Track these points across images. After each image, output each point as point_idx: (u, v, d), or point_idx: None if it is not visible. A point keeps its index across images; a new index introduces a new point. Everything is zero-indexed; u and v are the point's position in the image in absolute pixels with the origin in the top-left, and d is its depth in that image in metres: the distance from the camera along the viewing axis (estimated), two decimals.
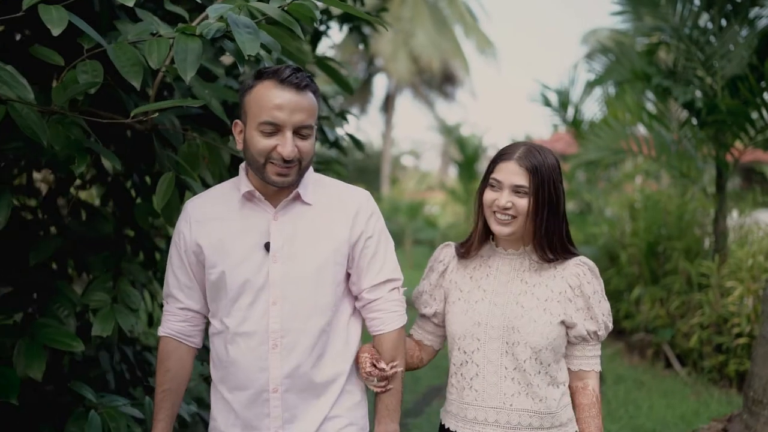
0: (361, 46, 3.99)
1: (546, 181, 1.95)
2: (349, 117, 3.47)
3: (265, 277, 1.89)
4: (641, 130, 7.77)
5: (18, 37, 2.57)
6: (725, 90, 6.09)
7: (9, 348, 2.27)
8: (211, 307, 1.99)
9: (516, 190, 1.95)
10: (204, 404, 3.28)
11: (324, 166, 3.12)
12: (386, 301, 2.00)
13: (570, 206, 11.10)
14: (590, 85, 7.49)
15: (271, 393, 1.90)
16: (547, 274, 2.03)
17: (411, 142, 43.64)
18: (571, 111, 9.20)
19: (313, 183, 1.99)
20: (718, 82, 6.18)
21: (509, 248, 2.08)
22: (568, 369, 2.07)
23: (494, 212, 1.99)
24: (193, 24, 1.99)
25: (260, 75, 1.84)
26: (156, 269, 3.12)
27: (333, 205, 1.97)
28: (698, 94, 6.35)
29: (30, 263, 2.39)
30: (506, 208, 1.96)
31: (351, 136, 3.32)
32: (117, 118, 2.11)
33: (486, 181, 2.03)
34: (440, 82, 24.19)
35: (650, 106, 7.37)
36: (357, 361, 2.00)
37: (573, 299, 2.00)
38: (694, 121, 6.33)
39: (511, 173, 1.95)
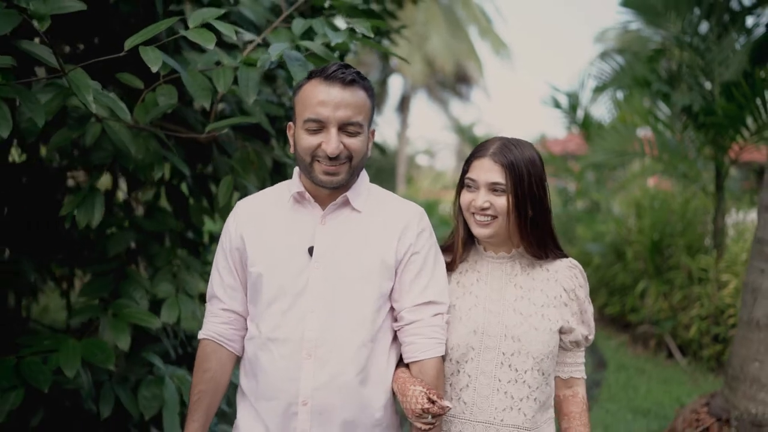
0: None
1: (525, 176, 1.84)
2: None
3: (305, 282, 1.82)
4: (645, 131, 8.17)
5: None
6: (723, 94, 6.47)
7: (94, 324, 2.76)
8: (249, 309, 1.93)
9: (492, 188, 1.85)
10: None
11: None
12: (427, 325, 1.86)
13: (579, 205, 11.48)
14: (597, 91, 7.88)
15: (300, 405, 1.81)
16: (540, 278, 1.95)
17: (425, 142, 43.94)
18: (580, 113, 9.62)
19: (366, 190, 1.93)
20: (716, 87, 6.56)
21: (498, 251, 1.97)
22: (558, 377, 1.99)
23: (472, 213, 1.89)
24: (246, 54, 2.44)
25: (310, 75, 1.84)
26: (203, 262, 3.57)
27: (383, 216, 1.89)
28: (697, 98, 6.73)
29: (109, 254, 2.84)
30: (484, 209, 1.86)
31: (374, 143, 3.74)
32: (189, 132, 2.56)
33: (462, 182, 1.94)
34: (454, 82, 24.58)
35: (655, 110, 7.77)
36: (402, 394, 1.81)
37: (569, 303, 1.93)
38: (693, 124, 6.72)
39: (486, 170, 1.85)
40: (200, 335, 1.97)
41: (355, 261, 1.84)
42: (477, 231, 1.90)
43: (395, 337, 1.92)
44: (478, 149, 1.91)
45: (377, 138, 2.96)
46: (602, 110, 10.21)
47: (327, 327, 1.81)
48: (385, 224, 1.88)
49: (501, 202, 1.84)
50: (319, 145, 1.77)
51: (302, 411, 1.81)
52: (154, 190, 3.56)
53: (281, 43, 2.33)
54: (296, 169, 1.93)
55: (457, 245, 1.97)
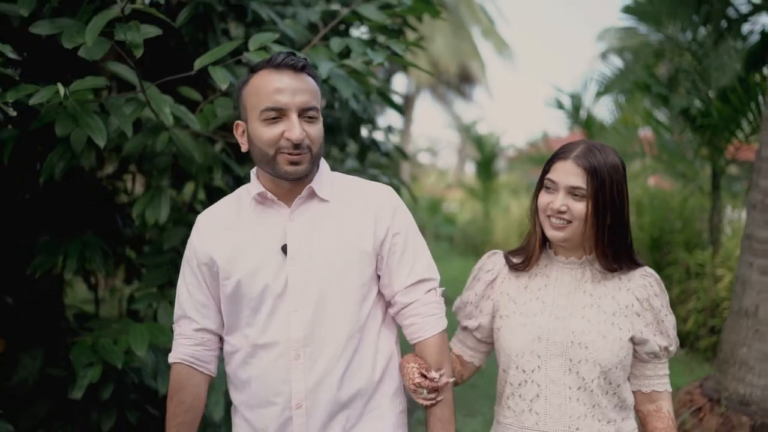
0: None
1: (607, 182, 1.78)
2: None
3: (284, 281, 1.77)
4: (647, 131, 8.52)
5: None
6: (719, 98, 6.81)
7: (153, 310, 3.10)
8: (227, 322, 1.87)
9: (572, 192, 1.80)
10: None
11: (380, 171, 3.86)
12: (423, 304, 1.85)
13: None
14: (599, 95, 8.23)
15: (295, 409, 1.77)
16: (611, 285, 1.88)
17: (428, 140, 44.20)
18: (583, 113, 9.95)
19: (329, 179, 1.88)
20: (713, 91, 6.90)
21: (570, 257, 1.92)
22: (638, 391, 1.92)
23: (548, 216, 1.85)
24: None
25: (254, 68, 1.79)
26: None
27: (353, 201, 1.85)
28: (695, 101, 7.06)
29: (164, 247, 3.18)
30: (561, 212, 1.81)
31: (398, 148, 4.10)
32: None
33: (541, 183, 1.89)
34: (458, 82, 24.90)
35: (655, 112, 8.12)
36: (402, 373, 1.84)
37: (641, 313, 1.86)
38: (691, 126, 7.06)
39: (567, 173, 1.80)
40: (171, 359, 1.89)
41: (332, 252, 1.79)
42: (551, 234, 1.85)
43: (383, 319, 1.89)
44: (561, 150, 1.85)
45: (380, 135, 3.22)
46: (604, 111, 10.50)
47: (313, 324, 1.76)
48: (357, 210, 1.83)
49: (579, 207, 1.79)
50: (282, 134, 1.71)
51: (297, 414, 1.77)
52: (193, 189, 3.90)
53: (327, 62, 2.67)
54: (253, 172, 1.88)
55: (534, 247, 1.92)
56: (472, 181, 19.34)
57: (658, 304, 1.87)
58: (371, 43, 2.92)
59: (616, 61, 7.95)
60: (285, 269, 1.77)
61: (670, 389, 1.90)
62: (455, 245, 17.10)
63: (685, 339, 7.39)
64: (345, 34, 3.37)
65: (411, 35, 4.83)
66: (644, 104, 8.01)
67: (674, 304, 7.61)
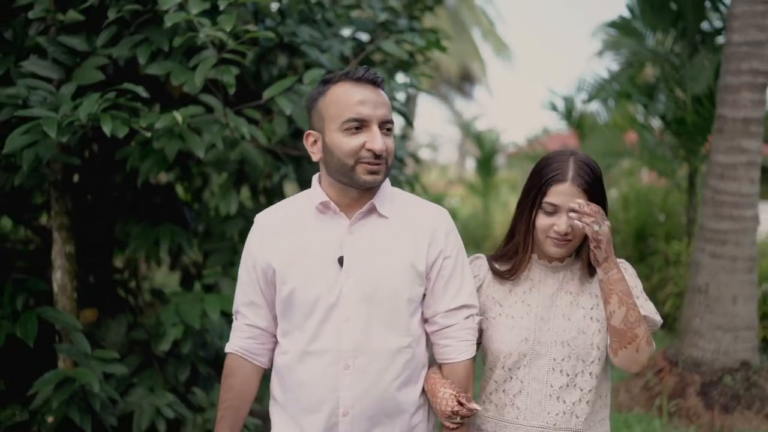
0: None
1: (601, 195, 1.89)
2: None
3: (338, 293, 1.81)
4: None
5: None
6: (693, 105, 7.60)
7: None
8: (281, 324, 1.92)
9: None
10: None
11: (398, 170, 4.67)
12: (461, 329, 1.89)
13: None
14: (586, 101, 9.01)
15: (341, 417, 1.81)
16: (590, 282, 1.98)
17: (429, 136, 44.71)
18: (576, 115, 10.76)
19: (390, 195, 1.92)
20: (688, 98, 7.69)
21: (553, 261, 2.00)
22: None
23: (549, 237, 1.90)
24: None
25: (329, 80, 1.84)
26: None
27: (411, 220, 1.89)
28: (672, 107, 7.83)
29: (226, 235, 3.98)
30: (566, 233, 1.88)
31: (412, 155, 4.92)
32: (299, 151, 3.70)
33: (537, 205, 1.92)
34: (459, 81, 25.66)
35: (639, 117, 8.93)
36: (432, 395, 1.87)
37: None
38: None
39: (569, 196, 1.85)
40: (227, 349, 1.99)
41: (386, 269, 1.83)
42: (553, 251, 1.91)
43: (427, 340, 1.94)
44: (555, 173, 1.88)
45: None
46: (596, 112, 11.30)
47: (363, 336, 1.80)
48: (414, 229, 1.87)
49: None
50: (363, 145, 1.76)
51: (343, 422, 1.81)
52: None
53: None
54: (315, 179, 1.93)
55: (525, 262, 1.98)
56: (472, 178, 20.10)
57: (636, 292, 1.94)
58: (392, 74, 3.72)
59: (609, 63, 8.70)
60: (339, 281, 1.81)
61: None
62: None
63: (664, 320, 8.18)
64: (371, 63, 4.18)
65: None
66: (629, 109, 8.81)
67: (655, 290, 8.41)
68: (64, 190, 3.43)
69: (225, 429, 1.93)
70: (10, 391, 3.59)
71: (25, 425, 3.47)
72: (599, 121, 10.18)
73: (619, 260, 1.93)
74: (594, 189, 1.86)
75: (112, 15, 2.99)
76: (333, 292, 1.82)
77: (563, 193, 1.85)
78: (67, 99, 2.99)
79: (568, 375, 1.90)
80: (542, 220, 1.90)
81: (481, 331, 2.01)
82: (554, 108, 10.51)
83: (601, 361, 1.93)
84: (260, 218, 1.97)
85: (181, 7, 2.89)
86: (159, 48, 3.19)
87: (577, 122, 10.61)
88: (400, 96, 3.41)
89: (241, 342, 1.96)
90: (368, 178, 1.79)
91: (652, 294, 8.42)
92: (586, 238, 1.89)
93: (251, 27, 2.92)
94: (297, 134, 3.83)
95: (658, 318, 1.98)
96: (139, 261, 4.62)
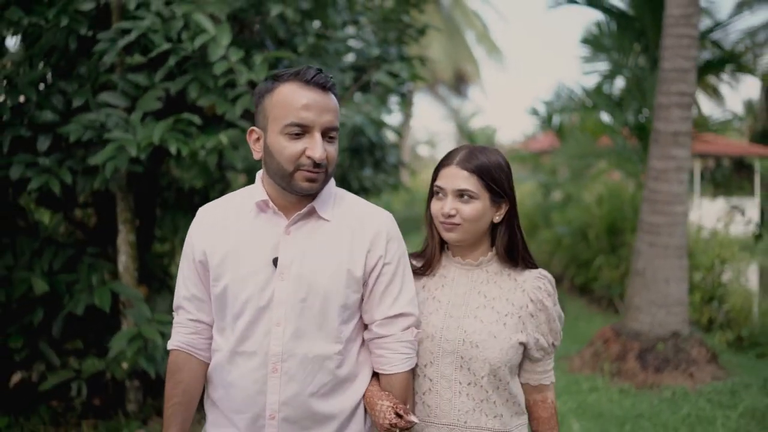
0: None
1: (496, 179, 1.86)
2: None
3: (270, 295, 1.76)
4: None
5: None
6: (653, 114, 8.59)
7: None
8: (216, 321, 1.87)
9: (460, 194, 1.85)
10: None
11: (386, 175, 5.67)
12: (398, 341, 1.84)
13: (555, 196, 13.62)
14: (559, 112, 10.03)
15: (268, 419, 1.78)
16: (506, 287, 1.93)
17: (427, 133, 45.35)
18: (557, 120, 11.78)
19: (333, 198, 1.87)
20: (649, 108, 8.67)
21: (466, 258, 1.97)
22: (527, 384, 1.97)
23: (441, 222, 1.89)
24: None
25: (279, 77, 1.77)
26: None
27: (352, 224, 1.84)
28: (637, 115, 8.82)
29: None
30: (450, 215, 1.86)
31: (401, 161, 5.90)
32: None
33: (432, 191, 1.93)
34: (455, 82, 26.65)
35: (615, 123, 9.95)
36: (371, 407, 1.82)
37: (535, 314, 1.90)
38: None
39: (453, 178, 1.85)
40: (169, 346, 1.92)
41: (322, 273, 1.78)
42: (445, 236, 1.91)
43: (362, 346, 1.89)
44: (445, 158, 1.92)
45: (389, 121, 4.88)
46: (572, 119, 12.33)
47: (293, 341, 1.76)
48: (353, 234, 1.83)
49: (467, 209, 1.85)
50: (303, 151, 1.70)
51: (269, 424, 1.78)
52: None
53: (358, 114, 4.47)
54: (259, 175, 1.87)
55: (434, 251, 1.98)
56: None
57: (551, 303, 1.91)
58: (383, 100, 4.72)
59: (574, 87, 9.74)
60: (273, 283, 1.77)
61: (554, 381, 1.99)
62: None
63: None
64: (367, 88, 5.18)
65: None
66: (601, 117, 9.81)
67: (623, 276, 9.39)
68: (128, 191, 4.43)
69: (175, 425, 1.87)
70: (87, 348, 4.60)
71: (101, 373, 4.48)
72: (575, 126, 11.19)
73: (537, 273, 1.95)
74: (484, 174, 1.85)
75: (172, 61, 3.97)
76: (265, 294, 1.77)
77: (448, 176, 1.87)
78: (137, 123, 3.99)
79: (474, 374, 1.87)
80: (434, 205, 1.92)
81: None
82: (535, 113, 11.52)
83: (511, 370, 1.90)
84: (202, 211, 1.91)
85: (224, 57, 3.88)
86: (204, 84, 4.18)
87: (558, 127, 11.62)
88: (395, 118, 4.40)
89: (184, 338, 1.89)
90: (305, 185, 1.74)
91: (621, 282, 9.43)
92: (493, 227, 1.93)
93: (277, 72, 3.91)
94: None
95: (559, 341, 2.01)
96: (176, 250, 5.62)
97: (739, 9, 20.58)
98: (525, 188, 14.03)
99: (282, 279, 1.77)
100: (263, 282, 1.77)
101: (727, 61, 8.31)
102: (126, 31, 4.24)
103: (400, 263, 1.88)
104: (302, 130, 1.70)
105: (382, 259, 1.84)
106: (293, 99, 1.71)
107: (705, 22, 9.71)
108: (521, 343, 1.89)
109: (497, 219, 1.92)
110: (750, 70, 8.65)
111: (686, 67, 5.73)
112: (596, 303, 9.81)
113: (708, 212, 10.56)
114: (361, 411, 1.88)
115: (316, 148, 1.70)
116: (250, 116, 4.23)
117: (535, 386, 1.97)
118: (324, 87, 1.74)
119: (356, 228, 1.84)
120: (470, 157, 1.87)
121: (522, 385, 1.98)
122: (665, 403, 5.07)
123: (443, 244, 2.01)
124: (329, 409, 1.81)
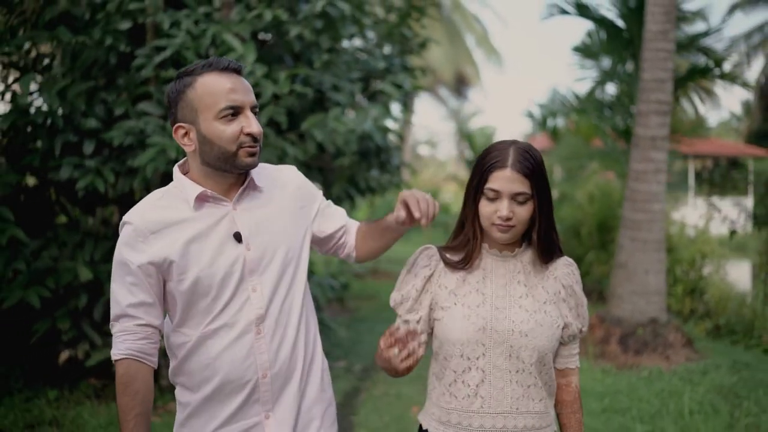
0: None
1: (544, 180, 1.91)
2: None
3: (242, 266, 1.85)
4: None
5: None
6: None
7: None
8: (180, 315, 1.88)
9: (515, 198, 1.87)
10: None
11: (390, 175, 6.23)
12: (352, 225, 2.12)
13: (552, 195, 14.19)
14: (552, 116, 10.60)
15: (261, 379, 1.87)
16: (540, 276, 1.99)
17: (427, 132, 45.73)
18: (551, 122, 12.34)
19: (256, 170, 1.96)
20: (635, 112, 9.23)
21: (503, 251, 2.00)
22: (554, 368, 2.02)
23: (494, 223, 1.90)
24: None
25: (192, 72, 1.84)
26: None
27: (277, 186, 1.98)
28: (625, 118, 9.37)
29: None
30: (508, 218, 1.87)
31: (404, 163, 6.46)
32: (328, 164, 5.28)
33: (480, 192, 1.93)
34: (455, 84, 27.21)
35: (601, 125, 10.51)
36: (379, 357, 1.79)
37: (567, 299, 1.98)
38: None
39: (509, 181, 1.86)
40: (116, 356, 1.86)
41: (279, 233, 1.92)
42: (498, 236, 1.92)
43: (306, 296, 2.02)
44: (495, 159, 1.91)
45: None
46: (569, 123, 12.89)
47: (269, 302, 1.87)
48: (284, 192, 1.98)
49: (522, 211, 1.88)
50: (241, 131, 1.80)
51: (263, 383, 1.87)
52: None
53: (368, 121, 5.04)
54: (176, 171, 1.93)
55: (477, 250, 1.99)
56: (465, 174, 21.65)
57: (579, 290, 1.99)
58: (387, 108, 5.30)
59: (566, 93, 10.31)
60: (240, 255, 1.85)
61: (578, 365, 2.04)
62: (448, 231, 19.40)
63: None
64: (374, 96, 5.75)
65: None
66: (592, 120, 10.37)
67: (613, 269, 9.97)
68: None
69: None
70: None
71: None
72: (568, 129, 11.75)
73: (565, 260, 2.02)
74: (535, 175, 1.87)
75: None
76: (237, 267, 1.85)
77: (503, 179, 1.86)
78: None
79: (523, 362, 1.91)
80: (485, 207, 1.91)
81: (434, 322, 2.02)
82: (531, 116, 12.08)
83: (551, 353, 1.95)
84: (132, 220, 1.87)
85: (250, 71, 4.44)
86: None
87: (552, 129, 12.18)
88: (396, 123, 4.96)
89: (135, 344, 1.85)
90: (248, 160, 1.84)
91: (608, 275, 9.98)
92: (533, 223, 1.93)
93: (296, 87, 4.48)
94: (321, 151, 5.41)
95: (587, 327, 2.08)
96: None
97: (731, 12, 21.16)
98: None
99: (248, 248, 1.87)
100: (232, 258, 1.85)
101: (708, 70, 8.84)
102: (161, 48, 4.81)
103: (319, 192, 2.11)
104: (234, 112, 1.81)
105: (317, 200, 2.06)
106: (218, 86, 1.80)
107: (700, 26, 10.28)
108: (563, 327, 1.97)
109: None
110: (732, 79, 9.18)
111: (664, 77, 6.30)
112: (587, 296, 10.19)
113: (703, 212, 11.09)
114: (317, 363, 2.03)
115: (252, 124, 1.82)
116: (273, 124, 4.80)
117: (561, 370, 2.03)
118: (238, 71, 1.86)
119: (281, 187, 1.99)
120: (523, 159, 1.88)
121: None
122: (642, 381, 5.63)
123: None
124: (301, 358, 1.95)
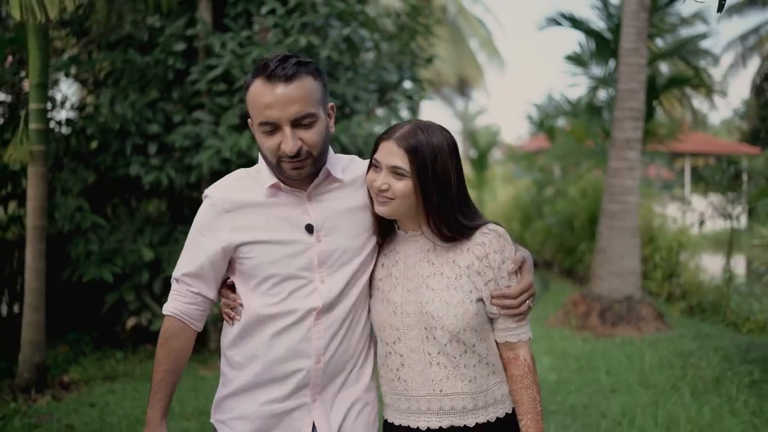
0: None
1: (429, 162, 1.79)
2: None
3: (310, 258, 1.86)
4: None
5: None
6: None
7: None
8: (245, 286, 1.92)
9: (394, 171, 1.80)
10: None
11: None
12: None
13: (548, 191, 15.14)
14: (547, 119, 11.54)
15: (314, 365, 1.88)
16: (454, 250, 1.89)
17: None
18: (548, 122, 13.29)
19: (340, 161, 1.96)
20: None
21: (409, 230, 1.94)
22: (498, 342, 1.93)
23: (375, 194, 1.85)
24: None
25: (253, 72, 1.80)
26: None
27: (358, 179, 1.94)
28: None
29: None
30: (382, 190, 1.82)
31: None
32: None
33: (371, 162, 1.87)
34: (459, 86, 28.14)
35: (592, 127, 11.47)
36: None
37: (482, 271, 1.86)
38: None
39: (389, 153, 1.81)
40: (166, 311, 1.93)
41: (351, 227, 1.91)
42: (377, 209, 1.87)
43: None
44: (387, 131, 1.87)
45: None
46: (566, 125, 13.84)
47: (335, 294, 1.88)
48: (364, 191, 1.93)
49: (400, 185, 1.81)
50: (279, 146, 1.76)
51: (315, 369, 1.89)
52: None
53: (383, 125, 6.01)
54: (261, 157, 1.91)
55: (383, 228, 1.97)
56: (468, 170, 22.60)
57: (499, 259, 1.87)
58: (397, 112, 6.29)
59: (559, 99, 11.29)
60: (310, 247, 1.86)
61: (525, 338, 1.92)
62: None
63: None
64: (386, 103, 6.73)
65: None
66: (584, 122, 11.34)
67: None
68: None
69: (164, 390, 1.92)
70: None
71: None
72: (562, 130, 12.70)
73: (484, 228, 1.89)
74: (420, 153, 1.79)
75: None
76: (304, 258, 1.86)
77: (386, 150, 1.82)
78: (225, 134, 5.54)
79: (440, 343, 1.86)
80: (369, 176, 1.87)
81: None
82: (529, 117, 13.04)
83: (469, 331, 1.86)
84: (214, 195, 1.89)
85: None
86: None
87: (549, 129, 13.14)
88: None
89: (183, 306, 1.91)
90: (293, 173, 1.80)
91: None
92: (423, 199, 1.83)
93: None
94: (344, 152, 6.39)
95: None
96: None
97: (726, 14, 21.99)
98: (521, 184, 15.50)
99: (318, 241, 1.87)
100: (301, 249, 1.86)
101: (686, 80, 9.79)
102: (212, 67, 5.82)
103: None
104: (273, 128, 1.75)
105: None
106: (258, 99, 1.75)
107: (699, 27, 11.23)
108: (480, 301, 1.87)
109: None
110: (707, 89, 10.11)
111: (636, 88, 7.27)
112: (579, 282, 11.34)
113: (699, 207, 11.96)
114: (366, 355, 2.04)
115: (287, 142, 1.74)
116: None
117: (503, 343, 1.93)
118: (286, 78, 1.73)
119: (361, 184, 1.94)
120: (410, 134, 1.81)
121: (496, 344, 1.95)
122: (615, 346, 6.61)
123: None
124: (352, 352, 1.97)
